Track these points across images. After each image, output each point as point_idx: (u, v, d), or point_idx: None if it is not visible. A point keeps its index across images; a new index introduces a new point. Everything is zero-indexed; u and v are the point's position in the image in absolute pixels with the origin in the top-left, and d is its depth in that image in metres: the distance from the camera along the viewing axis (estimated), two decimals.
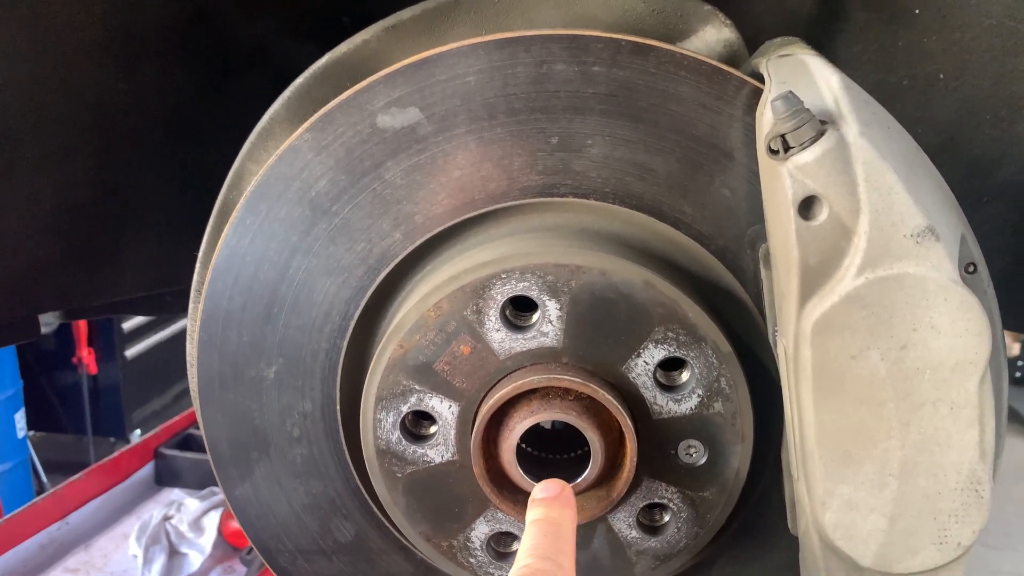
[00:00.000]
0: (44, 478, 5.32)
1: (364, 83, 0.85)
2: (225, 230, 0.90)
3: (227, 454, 0.97)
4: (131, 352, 6.12)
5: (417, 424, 0.89)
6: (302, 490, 0.97)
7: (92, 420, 5.80)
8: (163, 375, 6.51)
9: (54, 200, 1.44)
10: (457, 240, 0.89)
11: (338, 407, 0.94)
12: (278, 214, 0.89)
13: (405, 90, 0.84)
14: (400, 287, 0.91)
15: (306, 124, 0.86)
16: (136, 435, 5.87)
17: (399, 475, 0.89)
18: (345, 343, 0.92)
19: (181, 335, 6.71)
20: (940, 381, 0.74)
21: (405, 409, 0.87)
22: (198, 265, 1.02)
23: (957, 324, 0.73)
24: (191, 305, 1.03)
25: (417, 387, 0.86)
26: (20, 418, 4.96)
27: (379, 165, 0.86)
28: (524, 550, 0.73)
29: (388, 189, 0.86)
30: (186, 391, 6.76)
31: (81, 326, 5.67)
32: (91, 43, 1.37)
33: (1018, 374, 6.93)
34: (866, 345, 0.74)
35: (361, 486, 0.96)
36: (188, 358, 1.05)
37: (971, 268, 0.76)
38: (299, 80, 0.97)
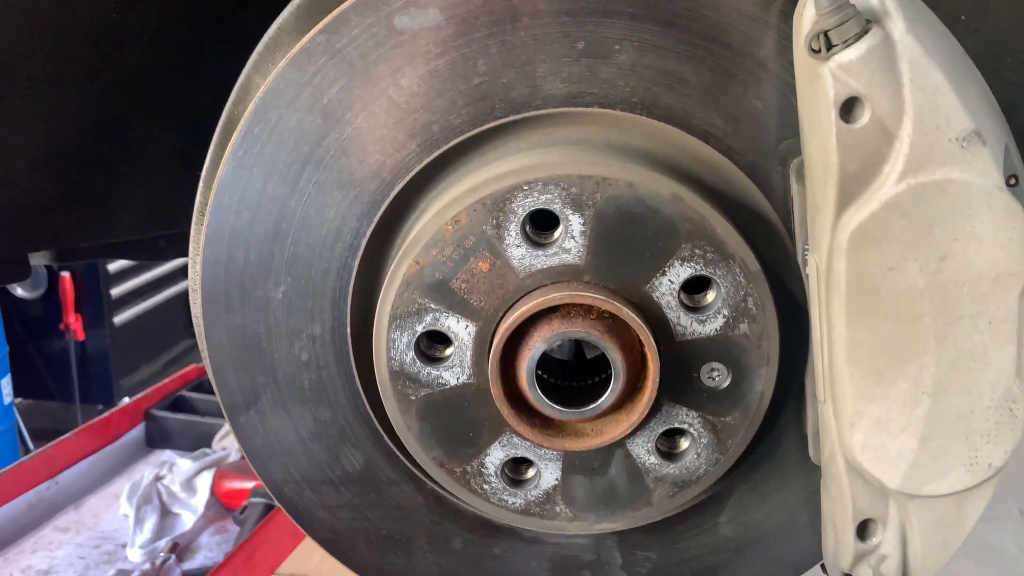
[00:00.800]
0: (31, 445, 5.28)
1: None
2: (232, 140, 0.86)
3: (232, 380, 0.94)
4: (120, 319, 6.07)
5: (432, 345, 0.86)
6: (310, 417, 0.94)
7: (80, 387, 5.76)
8: (153, 342, 6.46)
9: (45, 133, 1.40)
10: (476, 153, 0.85)
11: (349, 329, 0.91)
12: (288, 123, 0.85)
13: None
14: (415, 203, 0.87)
15: (319, 26, 0.82)
16: (124, 402, 5.83)
17: (413, 398, 0.86)
18: (357, 262, 0.88)
19: (171, 301, 6.66)
20: (980, 294, 0.72)
21: (420, 329, 0.84)
22: (201, 185, 0.98)
23: (1001, 234, 0.70)
24: (193, 228, 0.99)
25: (433, 306, 0.83)
26: (6, 384, 4.91)
27: (396, 71, 0.82)
28: None
29: (404, 97, 0.83)
30: (177, 358, 6.72)
31: (68, 292, 5.62)
32: None
33: None
34: (904, 256, 0.72)
35: (372, 413, 0.93)
36: (191, 283, 1.01)
37: (1013, 181, 0.73)
38: None
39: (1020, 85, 1.41)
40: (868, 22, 0.69)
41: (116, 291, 5.96)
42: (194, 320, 1.01)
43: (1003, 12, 1.35)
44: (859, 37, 0.68)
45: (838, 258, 0.74)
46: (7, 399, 4.86)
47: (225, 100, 1.59)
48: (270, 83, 0.83)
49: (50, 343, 5.74)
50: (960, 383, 0.75)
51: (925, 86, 0.68)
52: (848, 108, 0.70)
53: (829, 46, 0.69)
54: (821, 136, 0.72)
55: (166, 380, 3.96)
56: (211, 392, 3.83)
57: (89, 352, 5.86)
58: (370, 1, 0.81)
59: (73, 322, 5.63)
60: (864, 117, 0.69)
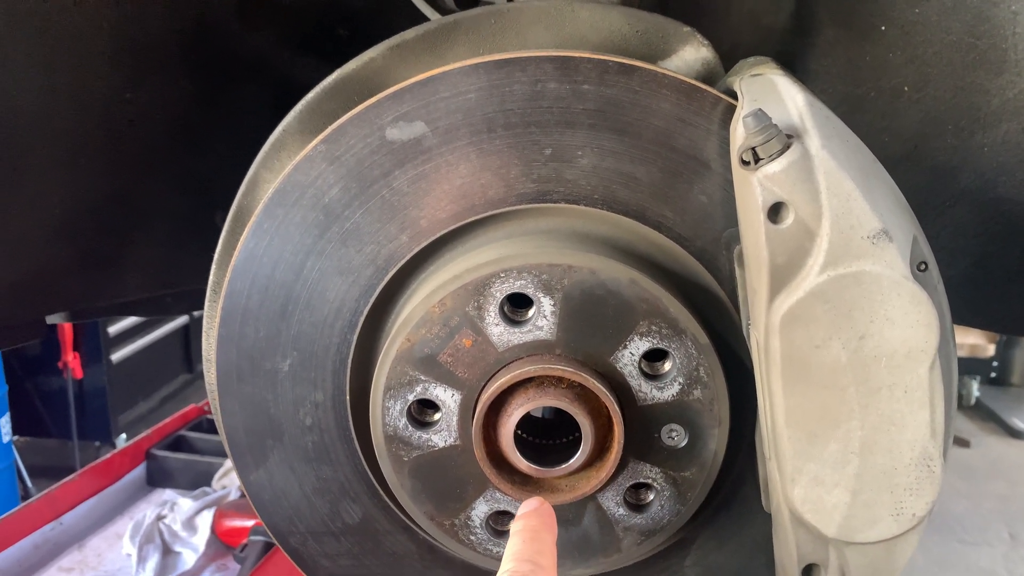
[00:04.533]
0: (29, 483, 5.33)
1: (374, 99, 0.92)
2: (244, 234, 0.97)
3: (243, 442, 1.04)
4: (117, 356, 6.14)
5: (422, 411, 0.97)
6: (313, 475, 1.05)
7: (77, 424, 5.82)
8: (149, 379, 6.53)
9: (63, 205, 1.51)
10: (459, 242, 0.97)
11: (348, 397, 1.01)
12: (294, 219, 0.96)
13: (412, 106, 0.92)
14: (406, 286, 0.98)
15: (320, 136, 0.93)
16: (122, 439, 5.89)
17: (405, 459, 0.97)
18: (355, 337, 0.99)
19: (167, 338, 6.73)
20: (895, 367, 0.83)
21: (411, 397, 0.95)
22: (214, 267, 1.09)
23: (909, 316, 0.82)
24: (207, 304, 1.10)
25: (423, 377, 0.94)
26: (5, 423, 4.96)
27: (387, 174, 0.94)
28: (506, 557, 0.82)
29: (396, 196, 0.94)
30: (172, 394, 6.78)
31: (67, 330, 5.69)
32: (99, 55, 1.44)
33: (993, 374, 7.11)
34: (828, 336, 0.83)
35: (368, 470, 1.04)
36: (204, 354, 1.12)
37: (922, 266, 0.85)
38: (310, 95, 1.04)
39: (961, 149, 1.54)
40: (789, 137, 0.81)
41: (113, 329, 6.04)
42: (207, 386, 1.12)
43: (942, 84, 1.49)
44: (781, 152, 0.80)
45: (773, 336, 0.85)
46: (6, 438, 4.91)
47: (223, 166, 1.70)
48: (277, 185, 0.95)
49: (48, 381, 5.81)
50: (883, 444, 0.85)
51: (839, 193, 0.80)
52: (775, 211, 0.81)
53: (756, 159, 0.80)
54: (753, 233, 0.83)
55: (166, 420, 4.04)
56: (210, 432, 3.91)
57: (87, 389, 5.93)
58: (364, 116, 0.92)
59: (71, 360, 5.70)
60: (789, 219, 0.81)
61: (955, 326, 0.95)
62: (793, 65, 1.57)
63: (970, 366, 6.84)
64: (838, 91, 1.54)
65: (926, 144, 1.52)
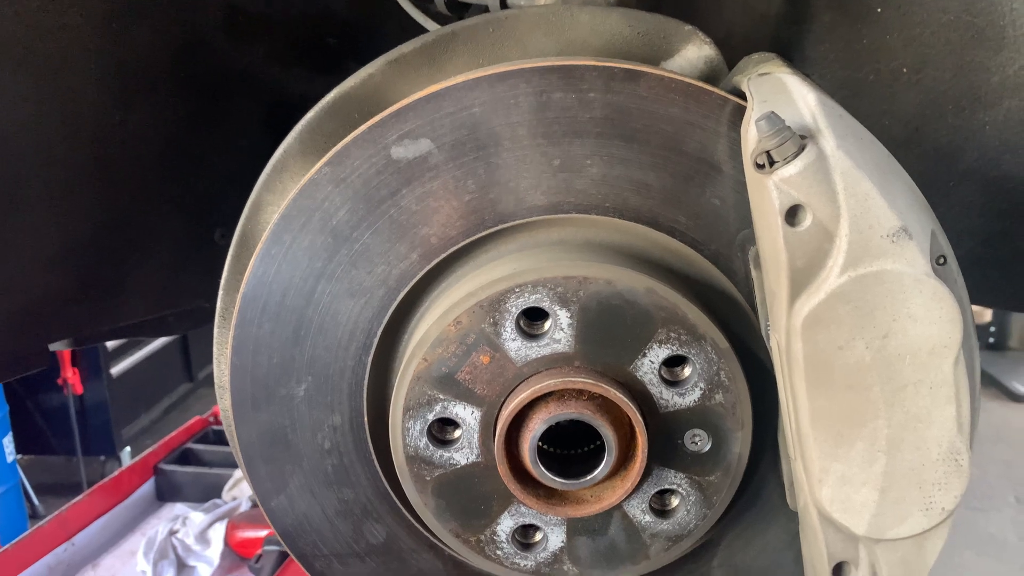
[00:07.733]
0: (36, 501, 5.32)
1: (377, 118, 0.91)
2: (251, 261, 0.96)
3: (262, 470, 1.03)
4: (116, 369, 6.12)
5: (442, 430, 0.96)
6: (335, 498, 1.04)
7: (81, 440, 5.80)
8: (150, 390, 6.51)
9: (59, 234, 1.49)
10: (470, 258, 0.96)
11: (366, 419, 1.00)
12: (302, 243, 0.95)
13: (416, 123, 0.91)
14: (419, 304, 0.97)
15: (324, 159, 0.92)
16: (127, 452, 5.88)
17: (428, 478, 0.96)
18: (370, 359, 0.98)
19: (166, 348, 6.71)
20: (919, 364, 0.83)
21: (431, 417, 0.94)
22: (221, 292, 1.08)
23: (932, 313, 0.81)
24: (216, 331, 1.09)
25: (441, 396, 0.93)
26: (8, 443, 4.95)
27: (395, 193, 0.92)
28: None
29: (404, 215, 0.93)
30: (174, 404, 6.75)
31: None
32: (87, 79, 1.42)
33: (991, 339, 7.14)
34: (852, 336, 0.82)
35: (391, 490, 1.03)
36: (217, 382, 1.10)
37: (942, 260, 0.84)
38: (309, 115, 1.03)
39: (963, 128, 1.54)
40: (803, 139, 0.80)
41: (112, 343, 6.01)
42: (222, 414, 1.11)
43: (941, 64, 1.48)
44: (796, 155, 0.78)
45: (795, 339, 0.84)
46: (9, 457, 4.90)
47: (220, 183, 1.69)
48: (283, 210, 0.93)
49: (49, 398, 5.79)
50: (910, 441, 0.85)
51: (856, 193, 0.79)
52: (792, 214, 0.80)
53: (771, 162, 0.79)
54: (771, 236, 0.82)
55: (172, 434, 4.03)
56: (217, 443, 3.90)
57: (88, 404, 5.91)
58: (368, 136, 0.91)
59: (71, 376, 5.68)
60: (806, 221, 0.80)
61: None
62: (789, 52, 1.56)
63: None
64: (836, 76, 1.53)
65: (927, 125, 1.51)
